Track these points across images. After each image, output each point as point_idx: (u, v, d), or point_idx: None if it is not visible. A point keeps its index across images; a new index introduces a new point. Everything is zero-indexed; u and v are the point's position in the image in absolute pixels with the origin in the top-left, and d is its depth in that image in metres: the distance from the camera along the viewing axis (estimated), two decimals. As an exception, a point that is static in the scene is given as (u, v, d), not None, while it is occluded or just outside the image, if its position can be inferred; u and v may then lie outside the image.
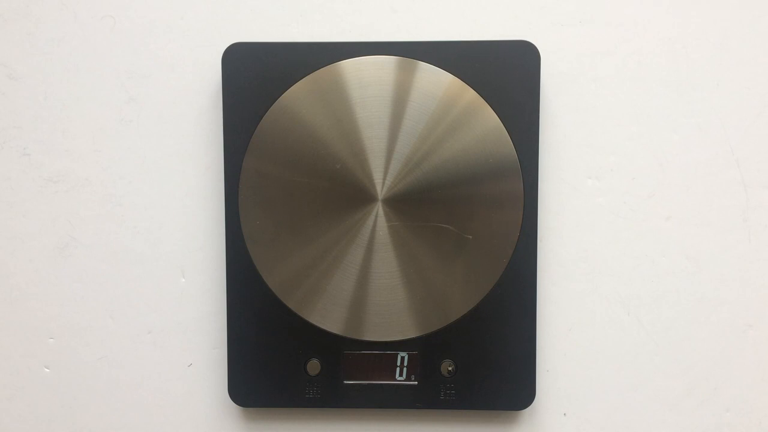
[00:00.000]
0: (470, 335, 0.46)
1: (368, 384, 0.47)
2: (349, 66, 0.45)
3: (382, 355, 0.46)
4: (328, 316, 0.46)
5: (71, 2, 0.48)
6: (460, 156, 0.45)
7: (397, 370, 0.46)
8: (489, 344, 0.46)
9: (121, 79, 0.48)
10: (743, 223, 0.47)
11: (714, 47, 0.47)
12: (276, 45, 0.46)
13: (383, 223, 0.45)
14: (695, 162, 0.47)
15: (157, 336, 0.49)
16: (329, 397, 0.47)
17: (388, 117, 0.45)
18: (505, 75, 0.45)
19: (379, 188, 0.45)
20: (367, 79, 0.45)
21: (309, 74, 0.45)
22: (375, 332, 0.46)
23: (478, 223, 0.45)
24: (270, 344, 0.46)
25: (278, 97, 0.45)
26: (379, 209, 0.45)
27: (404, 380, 0.47)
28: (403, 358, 0.46)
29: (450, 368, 0.46)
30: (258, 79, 0.45)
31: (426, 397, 0.47)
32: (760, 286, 0.47)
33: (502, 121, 0.45)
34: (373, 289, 0.45)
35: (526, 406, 0.47)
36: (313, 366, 0.46)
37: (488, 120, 0.45)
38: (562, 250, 0.47)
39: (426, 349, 0.46)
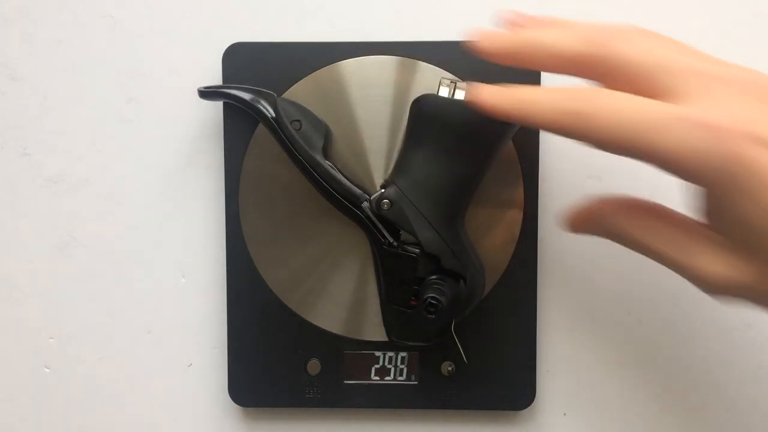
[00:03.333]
0: (470, 335, 0.46)
1: (368, 384, 0.47)
2: (349, 66, 0.45)
3: (382, 355, 0.46)
4: (328, 316, 0.46)
5: (71, 2, 0.48)
6: (460, 156, 0.45)
7: (397, 370, 0.46)
8: (489, 344, 0.46)
9: (121, 79, 0.48)
10: (743, 223, 0.47)
11: (714, 47, 0.47)
12: (276, 45, 0.46)
13: (383, 223, 0.45)
14: (695, 162, 0.47)
15: (157, 336, 0.49)
16: (329, 397, 0.47)
17: (388, 117, 0.45)
18: (505, 75, 0.45)
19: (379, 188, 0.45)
20: (367, 79, 0.45)
21: (309, 74, 0.45)
22: (375, 332, 0.46)
23: (478, 223, 0.45)
24: (270, 344, 0.46)
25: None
26: (379, 209, 0.45)
27: (404, 380, 0.47)
28: (403, 358, 0.46)
29: (450, 368, 0.46)
30: (258, 79, 0.45)
31: (426, 397, 0.47)
32: (760, 286, 0.47)
33: (502, 121, 0.45)
34: (373, 289, 0.45)
35: (526, 406, 0.47)
36: (313, 366, 0.46)
37: (488, 120, 0.45)
38: (562, 250, 0.47)
39: (426, 349, 0.46)
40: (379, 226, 0.41)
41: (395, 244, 0.41)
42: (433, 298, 0.39)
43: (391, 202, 0.39)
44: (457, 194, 0.40)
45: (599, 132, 0.30)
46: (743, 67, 0.31)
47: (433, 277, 0.40)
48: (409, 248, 0.41)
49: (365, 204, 0.42)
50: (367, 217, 0.41)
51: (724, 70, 0.30)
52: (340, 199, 0.42)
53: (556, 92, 0.32)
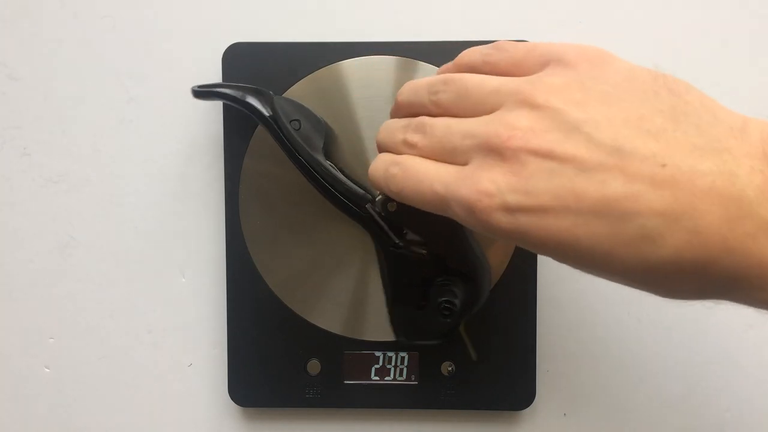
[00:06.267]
0: (470, 335, 0.45)
1: (368, 384, 0.47)
2: (349, 66, 0.45)
3: (382, 355, 0.46)
4: (328, 316, 0.46)
5: (71, 2, 0.48)
6: (460, 156, 0.44)
7: (397, 370, 0.46)
8: (489, 344, 0.46)
9: (121, 79, 0.48)
10: (743, 223, 0.47)
11: (714, 47, 0.47)
12: (276, 45, 0.46)
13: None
14: (695, 162, 0.47)
15: (157, 336, 0.49)
16: (329, 397, 0.47)
17: (388, 117, 0.44)
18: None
19: (379, 188, 0.45)
20: (367, 79, 0.45)
21: (309, 74, 0.45)
22: (375, 332, 0.46)
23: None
24: (270, 344, 0.46)
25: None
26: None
27: (404, 380, 0.47)
28: (403, 358, 0.46)
29: (450, 368, 0.46)
30: (258, 79, 0.45)
31: (426, 397, 0.47)
32: (760, 286, 0.47)
33: (502, 121, 0.45)
34: (373, 289, 0.45)
35: (526, 406, 0.47)
36: (313, 366, 0.46)
37: (488, 120, 0.45)
38: (562, 250, 0.47)
39: (426, 349, 0.46)
40: (385, 227, 0.41)
41: (401, 244, 0.41)
42: (447, 301, 0.39)
43: (398, 203, 0.39)
44: None
45: (409, 201, 0.33)
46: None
47: (443, 278, 0.40)
48: (416, 248, 0.41)
49: (369, 204, 0.41)
50: (372, 217, 0.41)
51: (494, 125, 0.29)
52: (342, 199, 0.42)
53: (381, 161, 0.34)
